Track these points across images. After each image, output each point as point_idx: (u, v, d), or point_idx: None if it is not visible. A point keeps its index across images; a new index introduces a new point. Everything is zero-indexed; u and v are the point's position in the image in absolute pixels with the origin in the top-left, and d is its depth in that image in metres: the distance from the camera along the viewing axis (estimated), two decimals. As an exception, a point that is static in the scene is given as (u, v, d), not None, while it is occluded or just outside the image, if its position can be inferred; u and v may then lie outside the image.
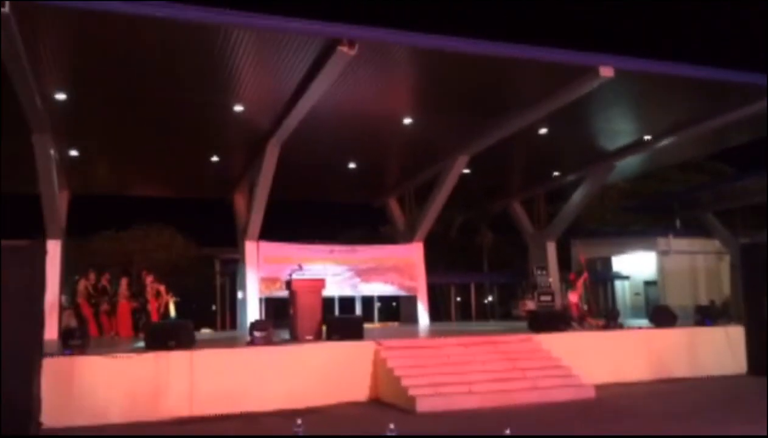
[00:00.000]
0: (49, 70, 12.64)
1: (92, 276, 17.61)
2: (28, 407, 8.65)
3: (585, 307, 18.38)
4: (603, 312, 19.52)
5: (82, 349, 10.88)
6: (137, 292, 17.75)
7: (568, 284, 19.33)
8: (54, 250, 16.76)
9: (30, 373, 8.74)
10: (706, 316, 15.93)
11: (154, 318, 17.00)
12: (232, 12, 11.37)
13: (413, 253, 22.28)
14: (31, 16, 10.54)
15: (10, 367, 8.52)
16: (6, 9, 9.72)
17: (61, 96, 13.77)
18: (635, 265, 29.99)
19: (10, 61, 11.20)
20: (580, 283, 18.32)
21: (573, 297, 17.99)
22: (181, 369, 10.79)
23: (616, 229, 33.50)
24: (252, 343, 12.00)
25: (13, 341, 8.57)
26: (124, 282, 17.94)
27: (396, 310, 26.32)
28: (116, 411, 10.19)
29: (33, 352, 8.86)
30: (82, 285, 17.37)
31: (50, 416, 9.26)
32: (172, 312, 17.75)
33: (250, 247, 19.78)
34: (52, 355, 10.11)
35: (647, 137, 18.93)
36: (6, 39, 10.51)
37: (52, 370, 9.70)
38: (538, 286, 22.76)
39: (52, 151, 15.77)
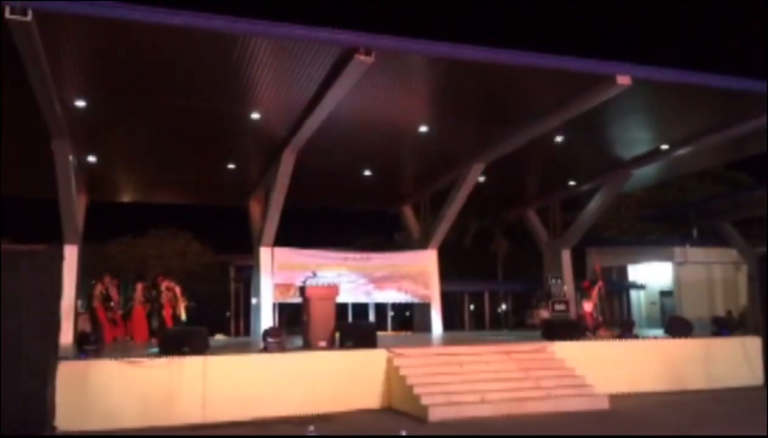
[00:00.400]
0: (69, 76, 12.75)
1: (107, 280, 17.75)
2: (42, 410, 8.75)
3: (600, 317, 18.25)
4: (618, 322, 19.37)
5: (97, 354, 10.99)
6: (153, 297, 17.83)
7: (582, 293, 19.21)
8: (71, 255, 16.88)
9: (45, 376, 8.84)
10: (723, 326, 15.81)
11: (169, 323, 17.09)
12: (250, 21, 11.40)
13: (427, 261, 22.23)
14: (52, 24, 10.66)
15: (26, 371, 8.62)
16: (28, 17, 9.86)
17: (80, 103, 13.91)
18: (651, 275, 29.73)
19: (32, 67, 11.32)
20: (595, 292, 18.20)
21: (587, 306, 17.89)
22: (195, 375, 10.85)
23: (632, 238, 33.25)
24: (265, 349, 12.06)
25: (29, 345, 8.67)
26: (139, 287, 18.06)
27: (409, 318, 26.25)
28: (129, 415, 10.27)
29: (49, 355, 8.96)
30: (97, 289, 17.49)
31: (64, 420, 9.36)
32: (183, 316, 17.78)
33: (265, 254, 19.82)
34: (67, 358, 10.21)
35: (664, 146, 18.78)
36: (28, 46, 10.65)
37: (67, 374, 9.80)
38: (553, 294, 22.59)
39: (71, 157, 15.92)
